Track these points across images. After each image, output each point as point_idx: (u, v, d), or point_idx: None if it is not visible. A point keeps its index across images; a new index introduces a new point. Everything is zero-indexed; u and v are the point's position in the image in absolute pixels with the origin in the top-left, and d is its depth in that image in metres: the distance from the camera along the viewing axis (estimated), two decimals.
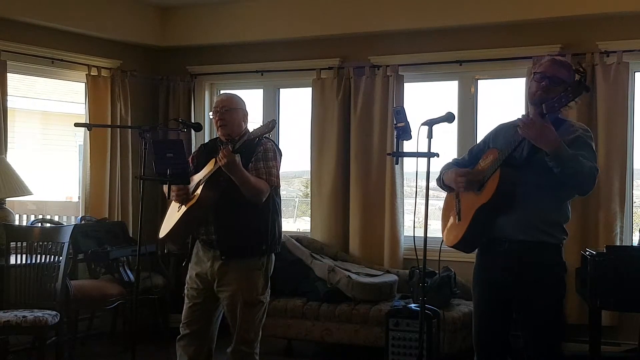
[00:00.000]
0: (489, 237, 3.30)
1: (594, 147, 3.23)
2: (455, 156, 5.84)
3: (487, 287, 3.34)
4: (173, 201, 3.84)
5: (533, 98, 3.23)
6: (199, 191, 3.64)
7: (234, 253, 3.69)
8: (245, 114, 3.86)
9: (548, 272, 3.20)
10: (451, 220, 3.42)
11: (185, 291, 3.89)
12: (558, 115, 3.20)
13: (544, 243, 3.19)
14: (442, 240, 3.48)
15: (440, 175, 3.50)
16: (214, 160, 3.61)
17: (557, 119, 3.19)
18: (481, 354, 3.38)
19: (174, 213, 3.81)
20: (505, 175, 3.14)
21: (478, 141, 3.55)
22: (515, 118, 3.28)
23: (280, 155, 3.84)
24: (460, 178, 3.32)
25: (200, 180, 3.68)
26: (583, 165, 3.03)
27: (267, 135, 3.59)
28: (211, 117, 3.84)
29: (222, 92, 4.88)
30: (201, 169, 3.75)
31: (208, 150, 3.90)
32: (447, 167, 3.50)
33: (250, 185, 3.58)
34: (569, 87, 2.97)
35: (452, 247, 3.40)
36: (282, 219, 3.89)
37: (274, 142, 3.86)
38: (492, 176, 3.19)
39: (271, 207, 3.73)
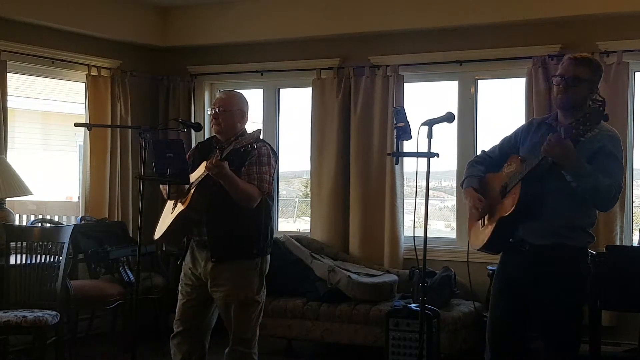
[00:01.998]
0: (513, 239, 3.32)
1: (620, 157, 3.21)
2: (455, 156, 5.91)
3: (508, 285, 3.35)
4: (168, 201, 3.84)
5: (555, 102, 3.23)
6: (189, 195, 3.63)
7: (225, 256, 3.69)
8: (243, 115, 3.82)
9: (568, 275, 3.20)
10: (478, 223, 3.44)
11: (179, 288, 3.88)
12: None
13: (566, 247, 3.20)
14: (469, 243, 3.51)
15: (465, 176, 3.51)
16: (205, 164, 3.59)
17: None
18: (493, 349, 3.39)
19: (168, 214, 3.80)
20: (527, 189, 3.14)
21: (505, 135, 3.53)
22: (547, 114, 3.29)
23: (276, 158, 3.82)
24: (475, 209, 3.36)
25: (192, 183, 3.67)
26: (600, 183, 3.04)
27: (256, 140, 3.54)
28: (209, 113, 3.84)
29: (223, 90, 4.88)
30: (197, 168, 3.75)
31: (204, 149, 3.89)
32: (474, 166, 3.51)
33: (240, 191, 3.57)
34: (587, 114, 2.90)
35: (478, 250, 3.42)
36: (282, 219, 3.89)
37: (270, 145, 3.82)
38: (514, 189, 3.20)
39: (263, 211, 3.72)
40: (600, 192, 3.06)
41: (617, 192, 3.12)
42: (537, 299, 3.23)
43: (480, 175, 3.46)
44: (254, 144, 3.53)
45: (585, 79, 3.15)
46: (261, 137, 3.63)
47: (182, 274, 3.89)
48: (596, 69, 3.23)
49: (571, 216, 3.19)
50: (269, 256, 3.83)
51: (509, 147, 3.45)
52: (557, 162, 3.02)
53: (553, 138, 2.97)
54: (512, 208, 3.16)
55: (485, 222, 3.36)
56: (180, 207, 3.67)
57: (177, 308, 3.87)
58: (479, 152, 3.67)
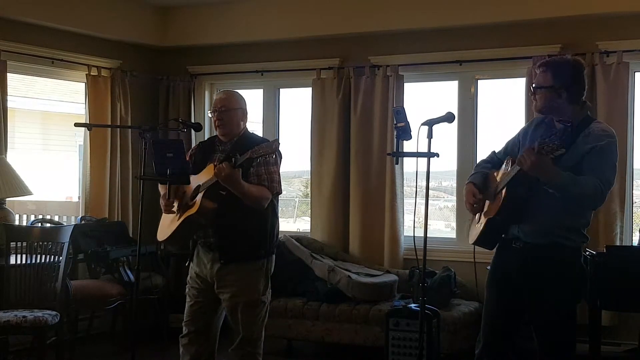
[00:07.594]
0: (507, 236, 3.36)
1: (612, 156, 3.21)
2: (455, 156, 5.91)
3: (501, 280, 3.39)
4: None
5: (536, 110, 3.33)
6: (198, 199, 3.59)
7: (233, 257, 3.68)
8: (245, 113, 3.83)
9: (561, 276, 3.21)
10: (475, 217, 3.50)
11: (187, 290, 3.89)
12: (587, 114, 3.29)
13: (558, 245, 3.22)
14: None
15: (471, 173, 3.57)
16: (212, 167, 3.57)
17: (582, 121, 3.23)
18: (484, 339, 3.43)
19: (174, 218, 3.77)
20: (511, 194, 3.19)
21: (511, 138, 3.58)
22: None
23: (281, 158, 3.81)
24: (467, 204, 3.43)
25: (200, 187, 3.63)
26: (584, 188, 3.08)
27: (275, 151, 3.51)
28: (210, 115, 3.84)
29: (221, 90, 4.85)
30: (198, 168, 3.73)
31: (206, 149, 3.89)
32: (481, 164, 3.57)
33: (251, 195, 3.57)
34: (557, 133, 2.99)
35: (472, 244, 3.47)
36: (282, 219, 3.89)
37: None
38: (500, 192, 3.26)
39: (270, 211, 3.72)
40: (586, 196, 3.12)
41: (604, 189, 3.14)
42: (530, 298, 3.26)
43: (485, 171, 3.50)
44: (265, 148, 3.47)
45: (551, 86, 3.24)
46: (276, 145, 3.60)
47: (188, 277, 3.89)
48: (563, 73, 3.27)
49: (564, 217, 3.21)
50: (274, 256, 3.83)
51: (512, 147, 3.48)
52: (532, 175, 3.06)
53: (526, 152, 3.03)
54: (496, 211, 3.21)
55: (481, 217, 3.40)
56: (188, 212, 3.63)
57: (185, 310, 3.88)
58: (479, 153, 3.70)
